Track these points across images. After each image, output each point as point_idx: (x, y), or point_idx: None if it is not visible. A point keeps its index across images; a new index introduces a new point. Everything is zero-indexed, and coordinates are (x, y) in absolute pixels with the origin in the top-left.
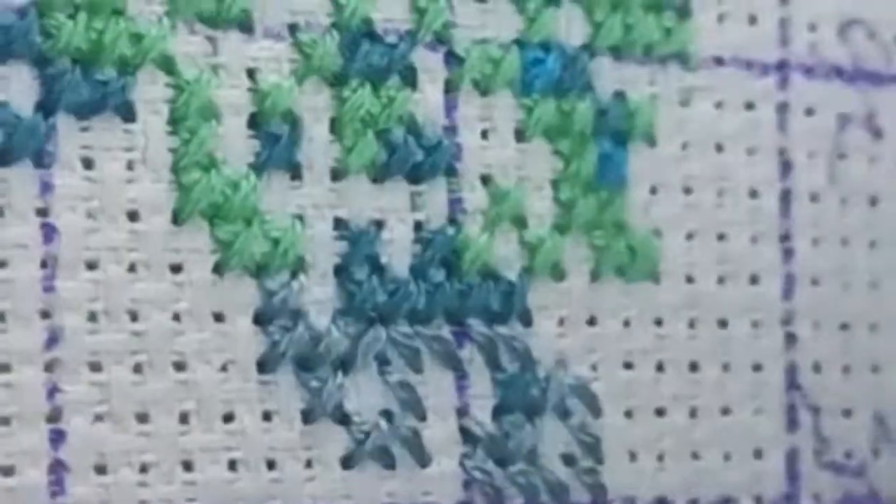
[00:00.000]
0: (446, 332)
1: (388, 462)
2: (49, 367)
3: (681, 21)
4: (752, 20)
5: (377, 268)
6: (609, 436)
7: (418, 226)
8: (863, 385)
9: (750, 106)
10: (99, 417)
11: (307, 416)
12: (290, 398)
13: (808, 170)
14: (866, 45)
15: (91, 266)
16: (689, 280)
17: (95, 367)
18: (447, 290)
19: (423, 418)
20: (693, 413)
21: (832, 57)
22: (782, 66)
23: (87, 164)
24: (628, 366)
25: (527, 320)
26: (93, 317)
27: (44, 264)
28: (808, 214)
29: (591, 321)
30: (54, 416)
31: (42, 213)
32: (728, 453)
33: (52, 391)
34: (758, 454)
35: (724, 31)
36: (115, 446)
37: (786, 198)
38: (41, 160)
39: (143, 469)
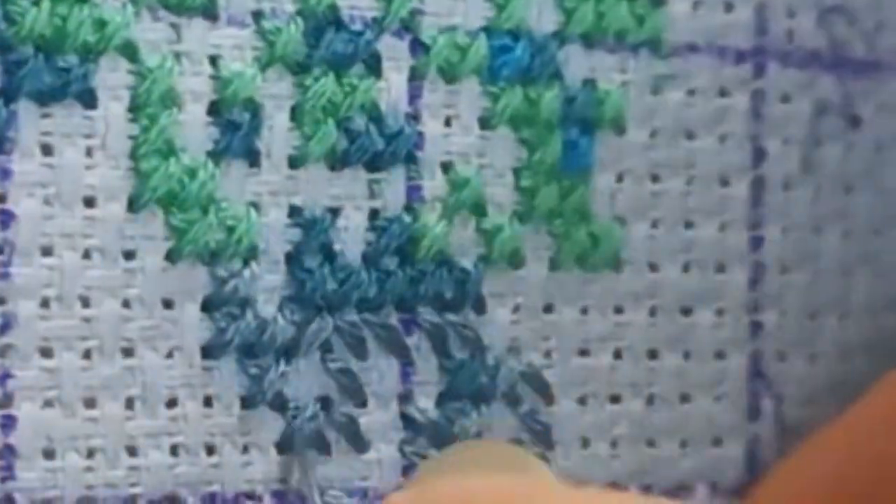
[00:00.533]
0: (394, 319)
1: (323, 447)
2: (1, 352)
3: (654, 8)
4: (728, 7)
5: (329, 256)
6: (560, 423)
7: (374, 214)
8: (829, 374)
9: (723, 93)
10: (48, 403)
11: (246, 402)
12: (230, 384)
13: (782, 158)
14: (846, 32)
15: (46, 252)
16: (653, 268)
17: (46, 353)
18: (399, 278)
19: (363, 405)
20: (650, 400)
21: (810, 44)
22: (758, 54)
23: (47, 150)
24: (584, 353)
25: (480, 308)
26: (45, 303)
27: (0, 250)
28: (780, 202)
29: (548, 309)
30: (5, 402)
31: (0, 199)
32: (685, 440)
33: (4, 377)
34: (716, 442)
35: (698, 18)
36: (63, 432)
37: (757, 186)
38: (1, 146)
39: (90, 454)
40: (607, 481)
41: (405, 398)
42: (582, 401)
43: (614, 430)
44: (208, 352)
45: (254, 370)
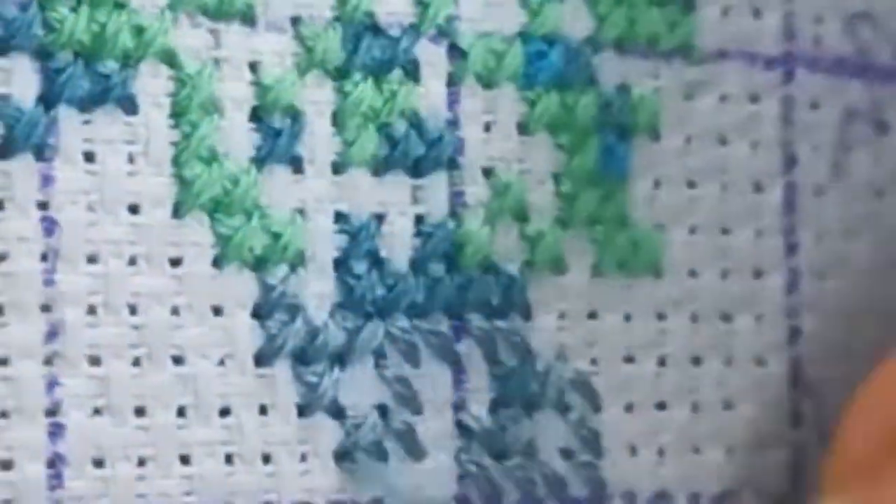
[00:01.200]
0: (445, 326)
1: (382, 456)
2: (48, 360)
3: (685, 14)
4: (757, 13)
5: (377, 262)
6: (608, 430)
7: (419, 219)
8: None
9: (754, 99)
10: (97, 411)
11: (303, 410)
12: (286, 392)
13: (812, 163)
14: (872, 39)
15: (91, 259)
16: (692, 274)
17: (94, 361)
18: (447, 285)
19: (418, 412)
20: (695, 407)
21: (838, 50)
22: (787, 60)
23: (89, 157)
24: (629, 360)
25: (526, 314)
26: (92, 310)
27: (44, 258)
28: (812, 208)
29: (592, 315)
30: (53, 410)
31: (43, 206)
32: (730, 448)
33: (52, 385)
34: (761, 448)
35: (728, 24)
36: (114, 440)
37: (790, 191)
38: (42, 153)
39: (141, 463)
40: (655, 490)
41: (459, 406)
42: (629, 408)
43: (660, 437)
44: (261, 359)
45: (309, 377)
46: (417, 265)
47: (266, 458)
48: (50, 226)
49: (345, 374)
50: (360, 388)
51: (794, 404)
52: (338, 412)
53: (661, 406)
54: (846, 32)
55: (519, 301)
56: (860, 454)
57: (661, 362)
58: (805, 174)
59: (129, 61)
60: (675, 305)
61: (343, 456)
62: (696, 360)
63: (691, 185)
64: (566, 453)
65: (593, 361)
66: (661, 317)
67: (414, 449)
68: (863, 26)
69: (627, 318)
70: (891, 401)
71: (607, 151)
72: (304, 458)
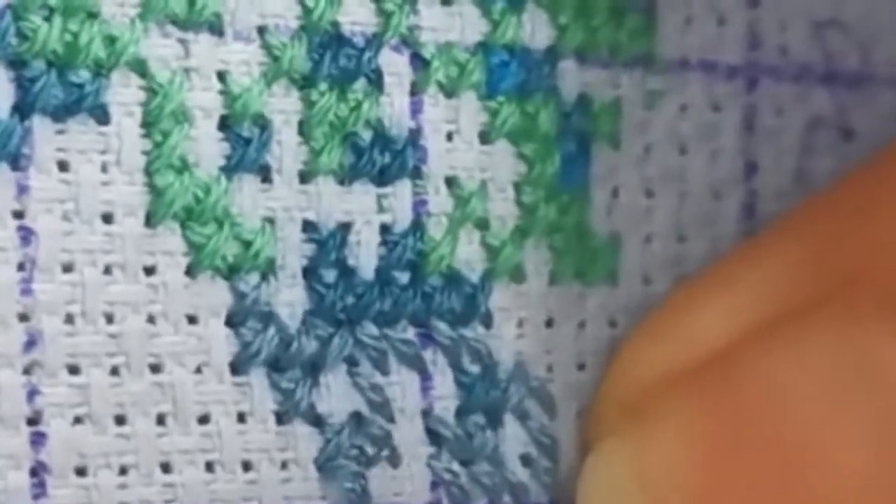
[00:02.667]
0: (411, 334)
1: (364, 463)
2: (28, 369)
3: (646, 23)
4: (721, 22)
5: (345, 270)
6: (564, 437)
7: (385, 228)
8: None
9: (716, 108)
10: (78, 420)
11: (281, 418)
12: (263, 399)
13: (774, 170)
14: (840, 45)
15: (67, 268)
16: (646, 281)
17: (74, 370)
18: (412, 293)
19: (391, 419)
20: None
21: (803, 58)
22: (750, 69)
23: (63, 166)
24: (581, 367)
25: (488, 322)
26: (70, 319)
27: (21, 267)
28: (772, 216)
29: (549, 323)
30: (35, 419)
31: (19, 215)
32: None
33: (32, 394)
34: None
35: (690, 33)
36: (95, 448)
37: (750, 198)
38: (17, 163)
39: (123, 471)
40: None
41: (427, 413)
42: (580, 415)
43: None
44: (237, 367)
45: (285, 384)
46: (383, 273)
47: (246, 466)
48: (26, 235)
49: (320, 382)
50: (335, 395)
51: None
52: (315, 419)
53: None
54: (813, 40)
55: (481, 309)
56: (629, 395)
57: None
58: (766, 181)
59: (101, 71)
60: (629, 313)
61: (324, 463)
62: None
63: (649, 193)
64: (526, 460)
65: (549, 368)
66: (613, 324)
67: (391, 455)
68: (830, 33)
69: (581, 325)
70: (657, 346)
71: (568, 160)
72: (284, 465)
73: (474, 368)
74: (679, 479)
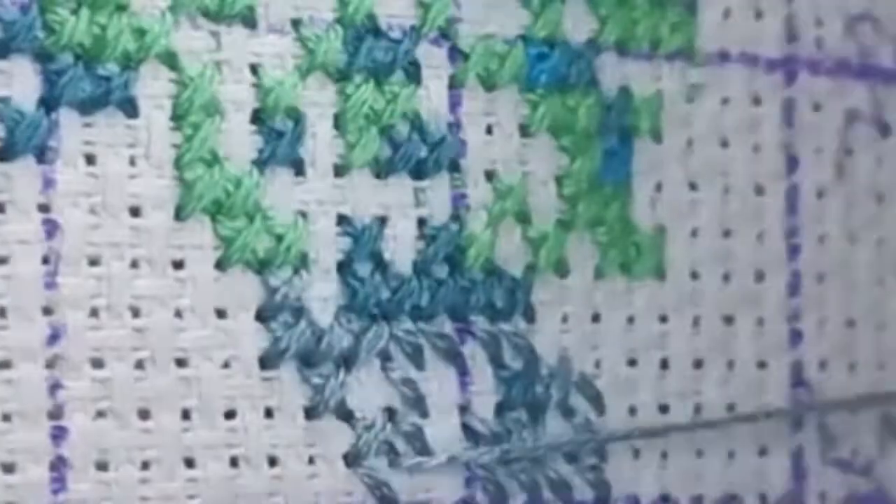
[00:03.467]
0: (449, 328)
1: (392, 459)
2: (51, 363)
3: (686, 16)
4: (759, 15)
5: (380, 264)
6: (612, 433)
7: (422, 222)
8: (869, 382)
9: (756, 101)
10: (100, 414)
11: (310, 413)
12: (292, 395)
13: (815, 166)
14: (874, 41)
15: (93, 262)
16: (694, 276)
17: (97, 364)
18: (450, 287)
19: (425, 415)
20: (697, 410)
21: (839, 52)
22: (789, 62)
23: (90, 159)
24: (632, 362)
25: (530, 317)
26: (94, 313)
27: (45, 260)
28: (814, 211)
29: (595, 318)
30: (56, 413)
31: (44, 208)
32: (732, 451)
33: (54, 388)
34: (763, 452)
35: (729, 26)
36: (117, 443)
37: (792, 194)
38: (44, 156)
39: (145, 466)
40: (658, 493)
41: (465, 408)
42: (632, 411)
43: (664, 440)
44: (266, 362)
45: (315, 380)
46: (421, 268)
47: (272, 461)
48: (51, 228)
49: (351, 377)
50: (367, 390)
51: (796, 407)
52: (346, 415)
53: (664, 409)
54: (847, 34)
55: (522, 303)
56: None
57: (664, 364)
58: (807, 177)
59: (129, 63)
60: (677, 308)
61: (353, 458)
62: (698, 363)
63: (693, 187)
64: (571, 457)
65: (596, 364)
66: (663, 319)
67: (423, 451)
68: (864, 28)
69: (630, 320)
70: None
71: (609, 154)
72: (311, 460)
73: (515, 364)
74: None
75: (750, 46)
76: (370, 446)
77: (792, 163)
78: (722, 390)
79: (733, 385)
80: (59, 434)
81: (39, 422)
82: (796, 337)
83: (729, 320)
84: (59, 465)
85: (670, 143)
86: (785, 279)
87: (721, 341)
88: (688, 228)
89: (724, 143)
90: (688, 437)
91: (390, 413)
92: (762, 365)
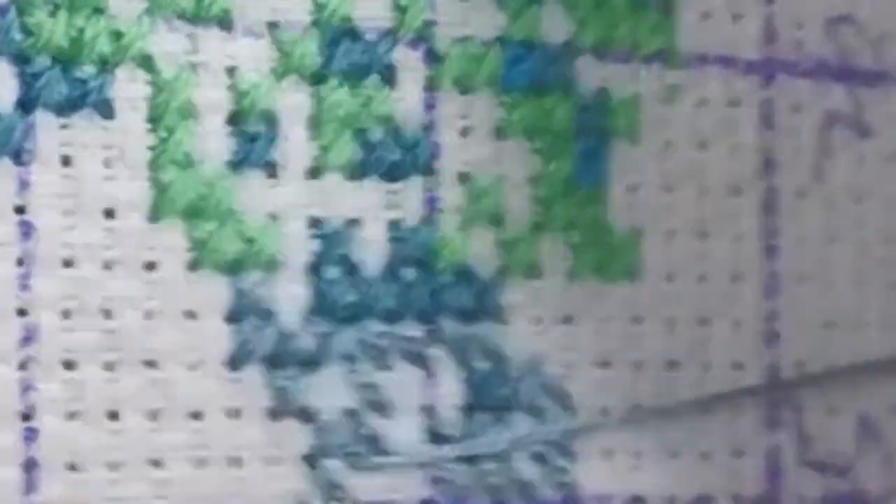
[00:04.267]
0: (417, 331)
1: (353, 460)
2: (23, 365)
3: (664, 18)
4: (737, 17)
5: (350, 267)
6: (583, 435)
7: (393, 224)
8: (846, 384)
9: (734, 104)
10: (71, 415)
11: (273, 414)
12: (256, 396)
13: (793, 167)
14: (854, 42)
15: (67, 264)
16: (669, 279)
17: (69, 366)
18: (420, 290)
19: (388, 417)
20: (671, 412)
21: (819, 54)
22: (767, 64)
23: (66, 161)
24: (604, 365)
25: (501, 319)
26: (67, 315)
27: (20, 262)
28: (793, 212)
29: (567, 320)
30: (28, 414)
31: (20, 210)
32: (706, 452)
33: (26, 389)
34: (737, 454)
35: (708, 28)
36: (87, 444)
37: (770, 195)
38: (20, 157)
39: (114, 467)
40: (630, 495)
41: (429, 410)
42: (604, 412)
43: (637, 442)
44: (233, 363)
45: (280, 381)
46: (390, 270)
47: (235, 462)
48: (27, 230)
49: (316, 379)
50: (330, 392)
51: (771, 409)
52: (307, 416)
53: (637, 411)
54: (827, 36)
55: (493, 306)
56: None
57: (637, 367)
58: (785, 178)
59: (106, 66)
60: (652, 310)
61: (312, 460)
62: (673, 365)
63: (669, 189)
64: (538, 458)
65: (568, 366)
66: (636, 321)
67: (384, 453)
68: (844, 29)
69: (603, 322)
70: None
71: (585, 156)
72: (273, 461)
73: (483, 365)
74: None
75: (728, 48)
76: (331, 447)
77: (769, 164)
78: (696, 392)
79: (708, 387)
80: (30, 436)
81: (12, 423)
82: (773, 338)
83: (704, 322)
84: (30, 467)
85: (647, 145)
86: (761, 281)
87: (696, 343)
88: (663, 230)
89: (702, 145)
90: (660, 437)
91: (352, 414)
92: (738, 366)
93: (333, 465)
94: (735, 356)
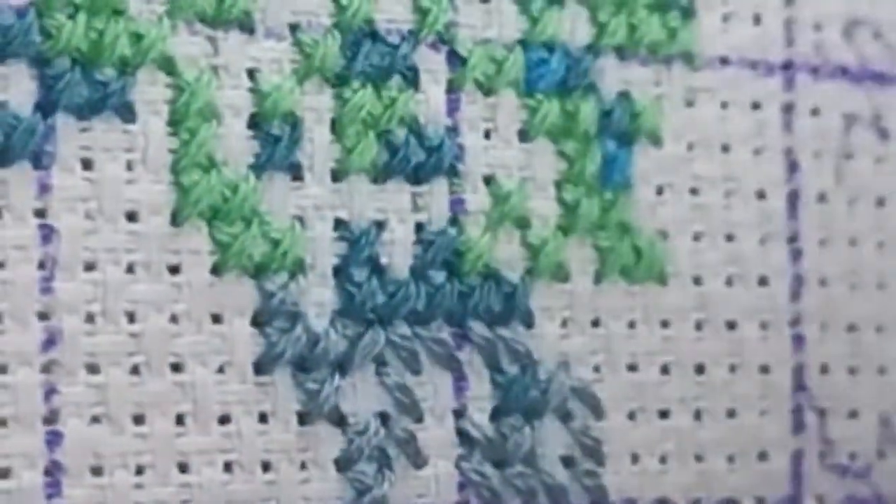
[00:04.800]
0: (446, 333)
1: (384, 464)
2: (46, 368)
3: (685, 21)
4: (757, 20)
5: (377, 269)
6: (611, 438)
7: (419, 227)
8: (869, 387)
9: (756, 106)
10: (96, 419)
11: (303, 418)
12: (286, 400)
13: (815, 171)
14: (872, 46)
15: (89, 267)
16: (697, 282)
17: (93, 369)
18: (447, 292)
19: (419, 420)
20: (698, 415)
21: (838, 57)
22: (788, 67)
23: (87, 164)
24: (632, 368)
25: (529, 322)
26: (90, 318)
27: (42, 265)
28: (816, 215)
29: (595, 323)
30: (51, 418)
31: (40, 213)
32: (732, 455)
33: (50, 393)
34: (762, 456)
35: (729, 31)
36: (112, 448)
37: (793, 199)
38: (40, 161)
39: (140, 471)
40: (657, 498)
41: (460, 413)
42: (632, 416)
43: (664, 445)
44: (261, 367)
45: (310, 385)
46: (418, 272)
47: (265, 466)
48: (48, 233)
49: (346, 382)
50: (361, 395)
51: (797, 412)
52: (339, 420)
53: (665, 414)
54: (846, 39)
55: (521, 308)
56: None
57: (665, 370)
58: (808, 181)
59: (127, 68)
60: (681, 313)
61: (345, 463)
62: (701, 368)
63: (694, 192)
64: (568, 461)
65: (596, 369)
66: (665, 324)
67: (415, 456)
68: (863, 33)
69: (631, 325)
70: None
71: (609, 158)
72: (304, 466)
73: (512, 369)
74: None
75: (749, 51)
76: (362, 451)
77: (792, 167)
78: (724, 396)
79: (735, 390)
80: (54, 439)
81: (35, 427)
82: (798, 341)
83: (732, 326)
84: (54, 471)
85: (670, 148)
86: (787, 284)
87: (724, 347)
88: (690, 233)
89: (725, 148)
90: (688, 441)
91: (384, 418)
92: (765, 370)
93: (366, 469)
94: (762, 359)
